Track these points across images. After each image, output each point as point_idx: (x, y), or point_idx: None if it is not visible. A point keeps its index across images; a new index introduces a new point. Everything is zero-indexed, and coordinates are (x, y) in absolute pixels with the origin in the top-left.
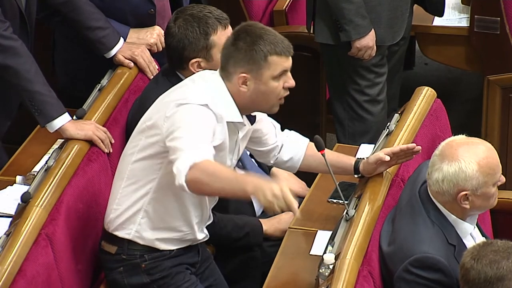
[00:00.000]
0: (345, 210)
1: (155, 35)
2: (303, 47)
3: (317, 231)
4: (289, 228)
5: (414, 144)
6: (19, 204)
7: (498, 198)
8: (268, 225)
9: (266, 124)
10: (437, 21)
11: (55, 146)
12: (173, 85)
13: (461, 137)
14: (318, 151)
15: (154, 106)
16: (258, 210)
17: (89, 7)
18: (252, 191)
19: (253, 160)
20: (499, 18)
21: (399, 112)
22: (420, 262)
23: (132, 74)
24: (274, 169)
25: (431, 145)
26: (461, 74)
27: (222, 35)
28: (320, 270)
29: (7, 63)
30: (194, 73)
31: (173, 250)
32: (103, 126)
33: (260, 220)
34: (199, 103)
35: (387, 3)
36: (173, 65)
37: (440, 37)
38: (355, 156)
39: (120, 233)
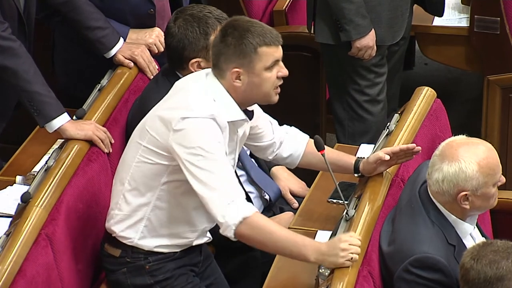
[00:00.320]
0: (345, 210)
1: (153, 35)
2: (303, 47)
3: (317, 231)
4: (289, 228)
5: (414, 145)
6: (19, 204)
7: (498, 198)
8: None
9: (262, 121)
10: (437, 21)
11: (55, 146)
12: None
13: (461, 138)
14: (318, 151)
15: (155, 110)
16: (258, 210)
17: (88, 7)
18: (316, 260)
19: (253, 160)
20: (499, 18)
21: (399, 112)
22: (420, 262)
23: (132, 74)
24: (274, 169)
25: (431, 145)
26: (461, 74)
27: None
28: (320, 270)
29: (6, 64)
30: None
31: (176, 252)
32: (103, 126)
33: None
34: (205, 115)
35: (387, 3)
36: (173, 65)
37: (440, 37)
38: (355, 156)
39: (122, 240)
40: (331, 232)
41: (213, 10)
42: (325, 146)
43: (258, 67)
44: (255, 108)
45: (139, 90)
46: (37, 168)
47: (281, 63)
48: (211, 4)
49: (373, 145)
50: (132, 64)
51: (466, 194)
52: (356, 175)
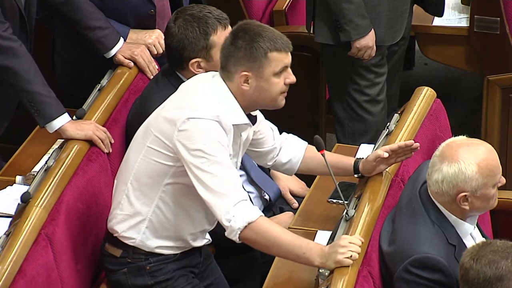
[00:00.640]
0: (345, 210)
1: (153, 36)
2: (303, 47)
3: (317, 231)
4: (289, 228)
5: (413, 141)
6: (19, 204)
7: (498, 198)
8: None
9: (264, 126)
10: (437, 21)
11: (55, 146)
12: (173, 85)
13: (461, 138)
14: (318, 151)
15: (160, 111)
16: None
17: (89, 7)
18: (320, 264)
19: (253, 160)
20: (499, 18)
21: (399, 112)
22: (420, 262)
23: (132, 74)
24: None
25: (431, 145)
26: (461, 74)
27: (222, 35)
28: (320, 270)
29: (6, 64)
30: (194, 73)
31: (177, 254)
32: (103, 126)
33: None
34: (209, 117)
35: (387, 3)
36: (173, 65)
37: (440, 37)
38: (354, 156)
39: (124, 240)
40: (331, 232)
41: (213, 10)
42: (325, 150)
43: (267, 72)
44: (257, 113)
45: (139, 90)
46: (37, 168)
47: (289, 70)
48: (211, 4)
49: (373, 145)
50: (132, 64)
51: (465, 195)
52: (356, 175)
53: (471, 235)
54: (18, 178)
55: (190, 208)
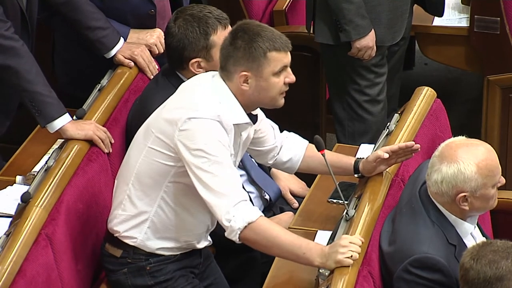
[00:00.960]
0: (345, 210)
1: (155, 36)
2: (303, 47)
3: (317, 231)
4: (289, 228)
5: (413, 142)
6: (19, 204)
7: (498, 198)
8: None
9: (265, 125)
10: (437, 21)
11: (55, 146)
12: (173, 85)
13: (461, 139)
14: (318, 151)
15: (160, 111)
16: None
17: (89, 7)
18: (320, 264)
19: (253, 160)
20: (499, 18)
21: (399, 112)
22: (419, 262)
23: (132, 74)
24: (274, 169)
25: (431, 145)
26: (461, 74)
27: (222, 35)
28: (320, 270)
29: (8, 64)
30: (194, 73)
31: (177, 254)
32: (103, 126)
33: None
34: (210, 116)
35: (387, 3)
36: (173, 65)
37: (440, 37)
38: (355, 156)
39: (125, 240)
40: (331, 232)
41: (213, 10)
42: (325, 150)
43: (266, 72)
44: (258, 112)
45: (139, 90)
46: (37, 168)
47: (289, 69)
48: (211, 4)
49: (373, 145)
50: (132, 64)
51: (465, 195)
52: (356, 175)
53: (472, 234)
54: (18, 178)
55: (192, 208)
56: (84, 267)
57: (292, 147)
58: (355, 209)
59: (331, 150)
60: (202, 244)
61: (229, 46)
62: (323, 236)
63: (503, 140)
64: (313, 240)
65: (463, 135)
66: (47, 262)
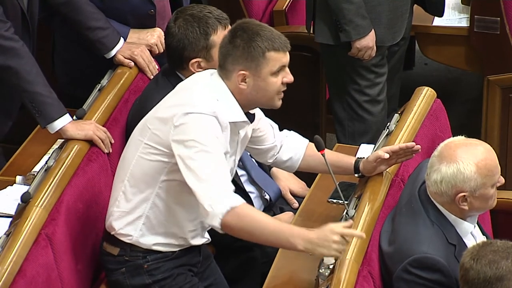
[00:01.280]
0: (345, 210)
1: (155, 36)
2: (303, 47)
3: None
4: None
5: (414, 143)
6: (19, 204)
7: (498, 198)
8: None
9: (264, 124)
10: (437, 21)
11: (55, 146)
12: (173, 85)
13: (460, 138)
14: (318, 151)
15: (158, 108)
16: (258, 210)
17: (89, 7)
18: (304, 249)
19: (253, 160)
20: (499, 18)
21: (399, 112)
22: (419, 262)
23: (132, 74)
24: (274, 169)
25: (431, 145)
26: (461, 74)
27: (222, 35)
28: (320, 270)
29: (8, 64)
30: (194, 73)
31: (175, 251)
32: (103, 126)
33: None
34: (207, 112)
35: (387, 4)
36: (173, 65)
37: (440, 37)
38: (355, 156)
39: (121, 237)
40: None
41: (213, 10)
42: (325, 148)
43: (265, 72)
44: (257, 111)
45: (139, 90)
46: (37, 168)
47: (287, 69)
48: (211, 4)
49: (373, 145)
50: (132, 64)
51: (464, 195)
52: (356, 175)
53: (472, 234)
54: (18, 178)
55: (187, 205)
56: (84, 267)
57: (292, 146)
58: (355, 209)
59: (331, 150)
60: (198, 241)
61: (228, 45)
62: None
63: (503, 140)
64: None
65: (463, 135)
66: (47, 262)
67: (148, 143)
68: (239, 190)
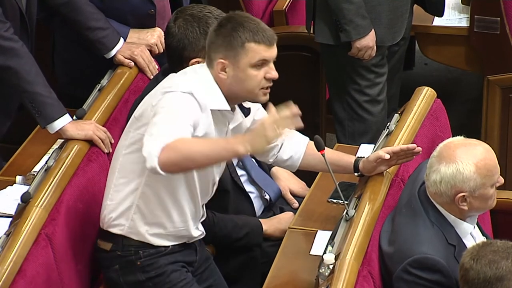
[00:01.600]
0: (345, 210)
1: (155, 36)
2: (303, 47)
3: (317, 231)
4: (289, 228)
5: (415, 145)
6: (19, 204)
7: (498, 198)
8: (268, 225)
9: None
10: (437, 21)
11: (55, 146)
12: None
13: (459, 139)
14: (318, 151)
15: (144, 98)
16: (258, 210)
17: (89, 7)
18: (245, 149)
19: (253, 160)
20: (499, 18)
21: (399, 112)
22: (419, 263)
23: (132, 74)
24: (274, 169)
25: (431, 145)
26: (461, 74)
27: None
28: (320, 270)
29: (8, 64)
30: None
31: (168, 246)
32: (103, 126)
33: (260, 220)
34: (183, 90)
35: (387, 4)
36: (173, 65)
37: (440, 37)
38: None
39: (113, 230)
40: (331, 232)
41: (213, 10)
42: (325, 147)
43: (243, 62)
44: (260, 110)
45: (139, 90)
46: (37, 168)
47: (271, 65)
48: (211, 4)
49: (373, 145)
50: (132, 64)
51: (464, 195)
52: (356, 174)
53: (471, 234)
54: (18, 178)
55: (177, 192)
56: (84, 267)
57: (293, 145)
58: (355, 209)
59: (331, 149)
60: (194, 233)
61: (212, 33)
62: (323, 236)
63: (503, 140)
64: (313, 240)
65: (462, 135)
66: (47, 262)
67: (136, 132)
68: (239, 190)
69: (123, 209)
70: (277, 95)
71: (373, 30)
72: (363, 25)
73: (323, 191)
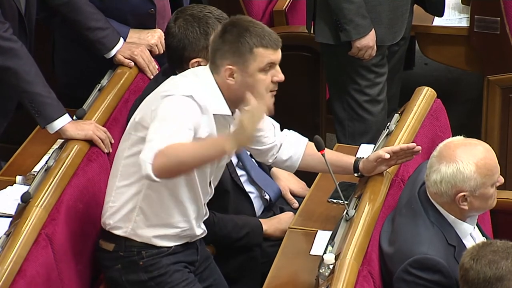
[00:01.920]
0: (345, 210)
1: (156, 36)
2: (303, 47)
3: (317, 231)
4: (289, 228)
5: (414, 144)
6: (19, 204)
7: (498, 198)
8: (268, 225)
9: (266, 124)
10: (437, 21)
11: (55, 146)
12: None
13: (459, 138)
14: (318, 151)
15: (144, 100)
16: (258, 210)
17: (89, 7)
18: (232, 146)
19: (253, 160)
20: (499, 18)
21: (399, 112)
22: (419, 263)
23: (132, 74)
24: (274, 169)
25: (431, 145)
26: (461, 74)
27: None
28: (320, 270)
29: (7, 65)
30: None
31: (171, 247)
32: (103, 126)
33: (260, 220)
34: (183, 94)
35: (388, 3)
36: (173, 65)
37: (440, 37)
38: (355, 156)
39: (116, 231)
40: (331, 232)
41: (213, 10)
42: (325, 148)
43: (252, 68)
44: None
45: (139, 90)
46: (37, 168)
47: (277, 68)
48: (212, 4)
49: (373, 145)
50: (132, 64)
51: (464, 195)
52: (356, 174)
53: (471, 235)
54: (18, 178)
55: (179, 194)
56: (84, 267)
57: (292, 146)
58: (355, 209)
59: (331, 150)
60: (197, 232)
61: (218, 40)
62: (323, 236)
63: (503, 140)
64: (313, 240)
65: (462, 135)
66: (47, 262)
67: (137, 135)
68: (239, 190)
69: (126, 212)
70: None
71: (373, 29)
72: (364, 24)
73: (323, 191)
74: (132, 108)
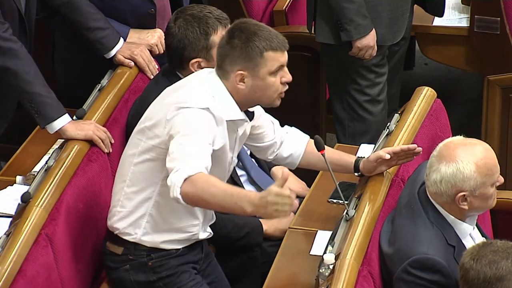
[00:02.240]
0: (345, 210)
1: (156, 36)
2: (303, 47)
3: (317, 231)
4: (289, 228)
5: (415, 145)
6: (19, 204)
7: (498, 198)
8: (268, 225)
9: (264, 121)
10: (437, 21)
11: (55, 146)
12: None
13: (459, 138)
14: (318, 151)
15: (153, 106)
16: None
17: (89, 7)
18: (252, 212)
19: (253, 160)
20: (499, 18)
21: (399, 112)
22: (419, 263)
23: (132, 74)
24: (274, 169)
25: (431, 145)
26: (461, 74)
27: (222, 35)
28: (320, 270)
29: (7, 65)
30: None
31: (179, 249)
32: (103, 126)
33: (260, 220)
34: (200, 106)
35: (388, 3)
36: (173, 65)
37: (440, 37)
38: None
39: (125, 237)
40: (331, 232)
41: (213, 10)
42: (325, 146)
43: (263, 71)
44: (257, 108)
45: (139, 90)
46: (37, 168)
47: (285, 69)
48: (212, 4)
49: (373, 145)
50: (132, 63)
51: (464, 195)
52: (356, 174)
53: (471, 235)
54: (18, 178)
55: None
56: (84, 267)
57: (293, 143)
58: (355, 209)
59: (332, 148)
60: (202, 235)
61: (225, 45)
62: (323, 236)
63: (503, 140)
64: (313, 240)
65: (462, 135)
66: (47, 262)
67: (147, 142)
68: None
69: (136, 218)
70: None
71: (373, 29)
72: (364, 24)
73: (323, 191)
74: (132, 108)
